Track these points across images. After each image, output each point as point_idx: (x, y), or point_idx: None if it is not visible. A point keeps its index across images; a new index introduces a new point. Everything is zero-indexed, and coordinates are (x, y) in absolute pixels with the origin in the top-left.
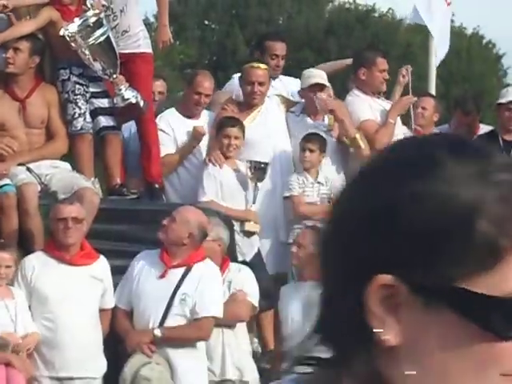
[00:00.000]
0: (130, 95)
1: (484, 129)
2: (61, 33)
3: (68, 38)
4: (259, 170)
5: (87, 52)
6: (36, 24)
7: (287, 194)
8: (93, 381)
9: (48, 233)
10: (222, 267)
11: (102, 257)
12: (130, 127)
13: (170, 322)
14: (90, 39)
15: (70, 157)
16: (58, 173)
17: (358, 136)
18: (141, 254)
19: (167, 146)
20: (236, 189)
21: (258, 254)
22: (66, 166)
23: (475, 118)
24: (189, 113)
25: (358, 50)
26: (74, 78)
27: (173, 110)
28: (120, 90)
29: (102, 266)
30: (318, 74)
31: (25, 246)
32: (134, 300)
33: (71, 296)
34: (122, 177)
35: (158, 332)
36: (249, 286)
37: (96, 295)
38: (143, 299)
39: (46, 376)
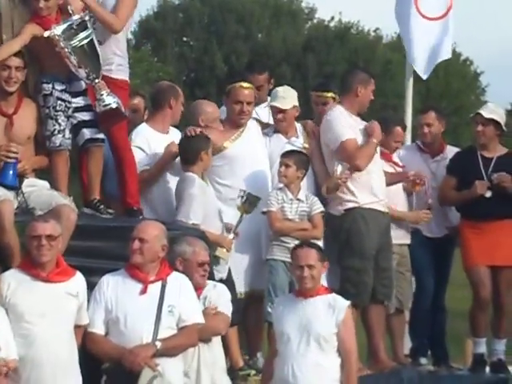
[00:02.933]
0: (110, 100)
1: (451, 150)
2: (46, 34)
3: (54, 39)
4: (250, 202)
5: (73, 57)
6: (23, 41)
7: (265, 210)
8: None
9: (24, 250)
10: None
11: (77, 273)
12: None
13: (163, 334)
14: (74, 41)
15: (46, 173)
16: (36, 190)
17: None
18: (104, 278)
19: (143, 163)
20: (215, 212)
21: (229, 272)
22: (45, 184)
23: (437, 118)
24: (161, 127)
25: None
26: (56, 94)
27: (144, 125)
28: (102, 95)
29: (77, 282)
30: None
31: (2, 263)
32: (114, 321)
33: (47, 313)
34: (100, 193)
35: (158, 345)
36: (224, 301)
37: (72, 312)
38: (129, 318)
39: None
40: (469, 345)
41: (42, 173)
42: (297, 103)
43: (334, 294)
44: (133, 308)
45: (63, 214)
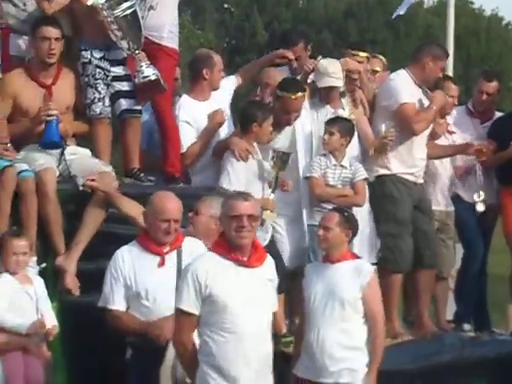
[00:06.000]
0: (150, 72)
1: (499, 116)
2: (89, 2)
3: (97, 8)
4: (282, 159)
5: (115, 26)
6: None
7: (307, 175)
8: None
9: (66, 217)
10: None
11: (268, 255)
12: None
13: None
14: (117, 10)
15: (88, 141)
16: (78, 158)
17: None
18: (119, 253)
19: (190, 136)
20: (255, 177)
21: (272, 241)
22: (86, 151)
23: (497, 89)
24: (201, 96)
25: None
26: (95, 62)
27: (185, 96)
28: (141, 66)
29: (271, 265)
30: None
31: (43, 231)
32: (135, 296)
33: (251, 302)
34: (141, 162)
35: None
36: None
37: (272, 300)
38: (150, 291)
39: None
40: (510, 310)
41: (84, 141)
42: (342, 74)
43: (360, 260)
44: (153, 281)
45: (105, 181)
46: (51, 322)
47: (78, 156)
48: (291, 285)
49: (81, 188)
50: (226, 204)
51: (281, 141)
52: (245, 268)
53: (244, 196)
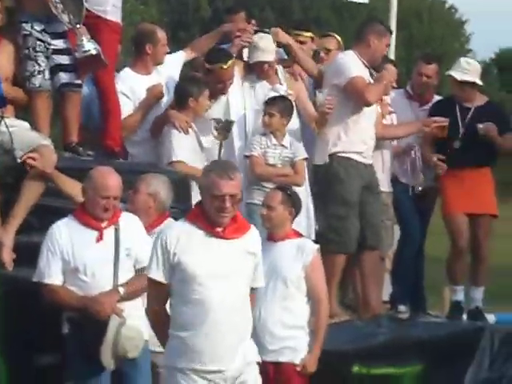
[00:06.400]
0: (90, 47)
1: (437, 99)
2: None
3: None
4: (225, 128)
5: (56, 0)
6: None
7: (247, 154)
8: None
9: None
10: (156, 222)
11: (252, 227)
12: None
13: (123, 279)
14: None
15: (26, 114)
16: (16, 130)
17: None
18: (55, 228)
19: (127, 108)
20: (195, 149)
21: None
22: (25, 124)
23: (436, 71)
24: (144, 70)
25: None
26: (35, 34)
27: (126, 69)
28: (82, 40)
29: (253, 237)
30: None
31: None
32: (72, 271)
33: (224, 274)
34: (79, 136)
35: (121, 290)
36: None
37: (249, 273)
38: (88, 266)
39: None
40: (446, 292)
41: (22, 114)
42: (275, 47)
43: (303, 238)
44: (91, 256)
45: (44, 155)
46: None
47: (16, 128)
48: None
49: (18, 161)
50: (209, 179)
51: (215, 110)
52: (219, 239)
53: (229, 173)
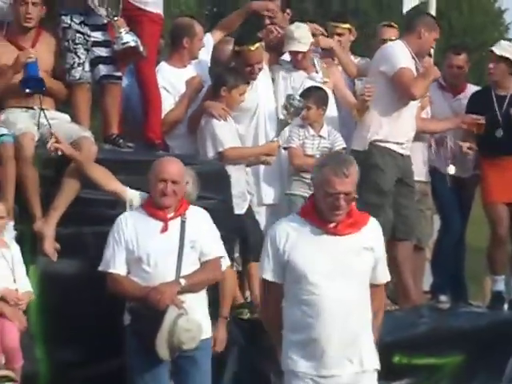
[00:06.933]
0: (129, 39)
1: (472, 89)
2: None
3: None
4: (296, 106)
5: None
6: None
7: (285, 146)
8: None
9: (43, 182)
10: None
11: (371, 220)
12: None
13: (186, 271)
14: None
15: (67, 107)
16: (57, 122)
17: None
18: (122, 218)
19: (167, 102)
20: (235, 136)
21: (249, 208)
22: (65, 116)
23: (466, 61)
24: (180, 64)
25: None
26: (75, 26)
27: (163, 63)
28: (120, 32)
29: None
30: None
31: (20, 196)
32: (136, 261)
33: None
34: (120, 128)
35: (182, 282)
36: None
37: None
38: (152, 256)
39: None
40: (487, 282)
41: (63, 107)
42: (310, 38)
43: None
44: (155, 247)
45: (84, 147)
46: (25, 288)
47: (56, 121)
48: None
49: (59, 153)
50: (323, 174)
51: (251, 97)
52: (331, 236)
53: (344, 170)
